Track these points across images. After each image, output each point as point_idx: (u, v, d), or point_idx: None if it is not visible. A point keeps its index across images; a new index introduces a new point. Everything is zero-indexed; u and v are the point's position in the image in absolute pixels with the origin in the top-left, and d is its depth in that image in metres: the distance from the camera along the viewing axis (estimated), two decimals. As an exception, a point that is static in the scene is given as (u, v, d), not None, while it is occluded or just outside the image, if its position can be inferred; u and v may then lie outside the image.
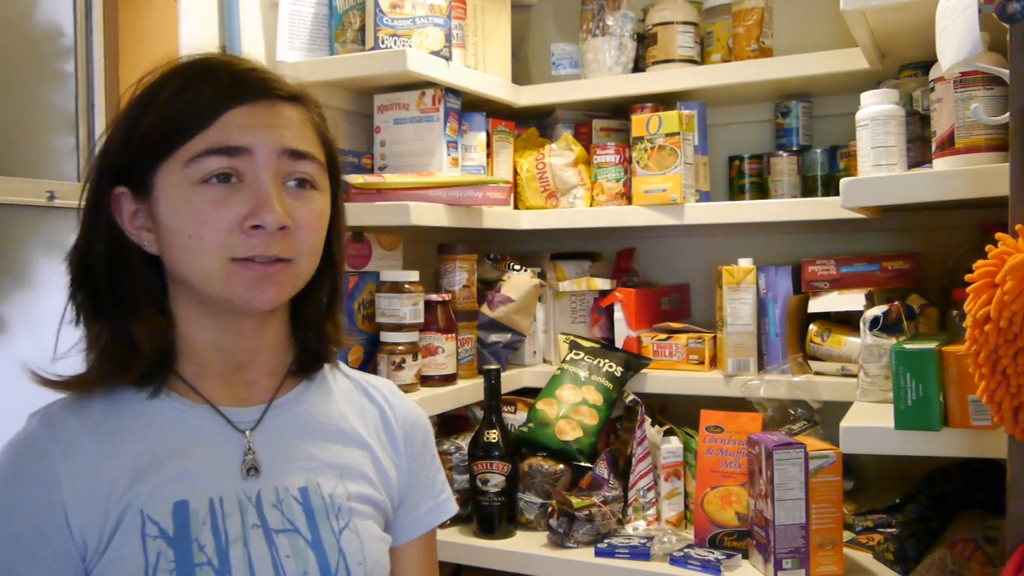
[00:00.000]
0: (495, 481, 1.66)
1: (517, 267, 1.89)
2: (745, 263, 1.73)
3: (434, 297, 1.67)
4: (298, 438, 0.94)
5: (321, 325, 0.99)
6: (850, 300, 1.61)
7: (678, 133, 1.73)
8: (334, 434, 0.96)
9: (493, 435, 1.67)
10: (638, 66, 1.91)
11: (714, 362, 1.78)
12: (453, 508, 1.09)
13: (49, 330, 1.45)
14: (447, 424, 1.87)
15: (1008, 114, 1.00)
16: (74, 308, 0.90)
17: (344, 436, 0.97)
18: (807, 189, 1.85)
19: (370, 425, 1.01)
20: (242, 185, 0.85)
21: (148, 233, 0.88)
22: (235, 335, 0.91)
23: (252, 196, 0.85)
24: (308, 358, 0.99)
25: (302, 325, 0.98)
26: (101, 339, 0.89)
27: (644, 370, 1.79)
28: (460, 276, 1.78)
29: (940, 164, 1.27)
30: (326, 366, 1.01)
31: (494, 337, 1.83)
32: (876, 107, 1.37)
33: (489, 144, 1.87)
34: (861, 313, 1.44)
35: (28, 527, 0.81)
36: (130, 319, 0.88)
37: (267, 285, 0.86)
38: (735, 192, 1.94)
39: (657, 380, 1.78)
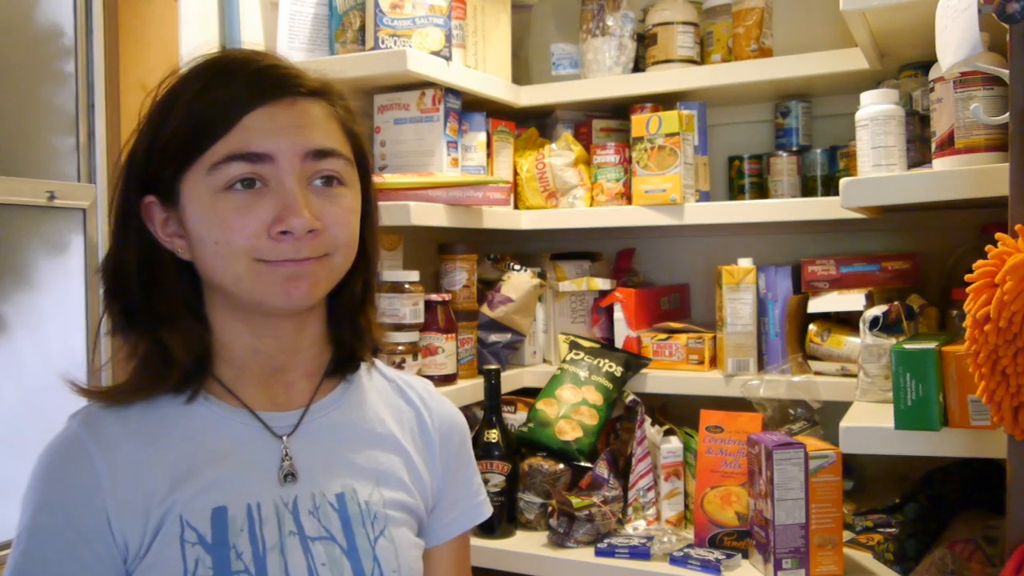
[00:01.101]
0: (495, 481, 1.66)
1: (517, 267, 1.89)
2: (745, 263, 1.74)
3: (434, 297, 1.67)
4: (335, 443, 0.93)
5: (356, 320, 0.97)
6: (850, 300, 1.61)
7: (678, 133, 1.73)
8: (371, 439, 0.95)
9: (493, 435, 1.67)
10: (638, 66, 1.91)
11: (714, 362, 1.78)
12: (487, 511, 1.07)
13: (49, 330, 1.45)
14: (447, 424, 1.87)
15: (1008, 114, 1.00)
16: (110, 319, 0.89)
17: (381, 440, 0.96)
18: (807, 189, 1.85)
19: (406, 428, 0.99)
20: (267, 190, 0.83)
21: (180, 240, 0.87)
22: (272, 338, 0.90)
23: (278, 201, 0.83)
24: (345, 357, 0.97)
25: (337, 322, 0.97)
26: (139, 348, 0.88)
27: (644, 370, 1.79)
28: (460, 276, 1.79)
29: (940, 164, 1.27)
30: (363, 365, 1.00)
31: (494, 337, 1.83)
32: (876, 107, 1.37)
33: (489, 144, 1.87)
34: (861, 313, 1.44)
35: (71, 529, 0.81)
36: (165, 327, 0.87)
37: (300, 280, 0.84)
38: (735, 192, 1.94)
39: (657, 380, 1.78)
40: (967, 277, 0.98)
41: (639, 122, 1.78)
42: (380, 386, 1.01)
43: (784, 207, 1.71)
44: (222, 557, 0.82)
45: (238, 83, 0.84)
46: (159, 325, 0.87)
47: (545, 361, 1.97)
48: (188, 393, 0.88)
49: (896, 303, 1.42)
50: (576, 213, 1.88)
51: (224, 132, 0.82)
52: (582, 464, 1.70)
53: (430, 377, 1.64)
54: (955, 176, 1.22)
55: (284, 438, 0.90)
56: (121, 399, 0.87)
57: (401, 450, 0.97)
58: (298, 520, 0.86)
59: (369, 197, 0.95)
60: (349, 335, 0.97)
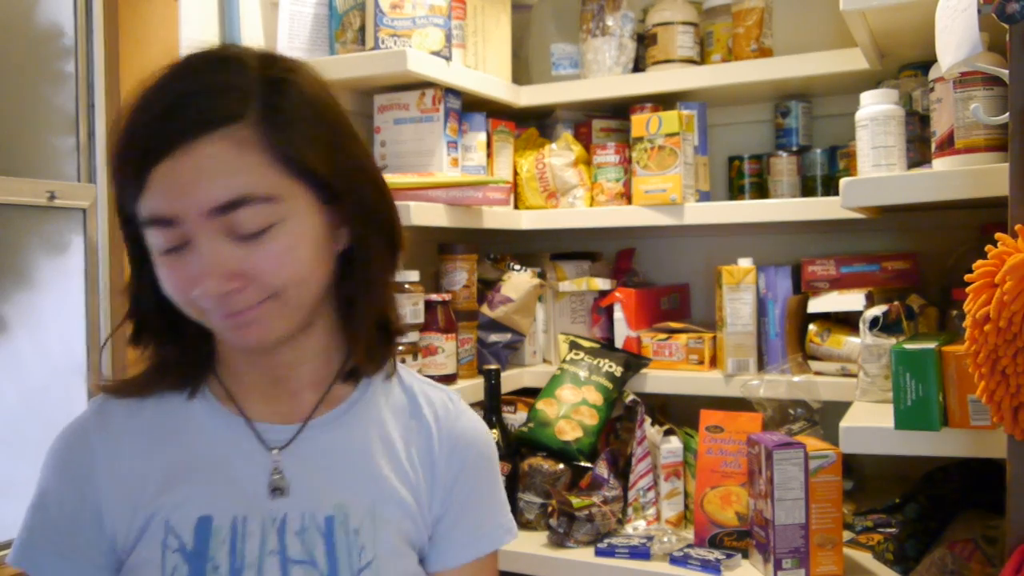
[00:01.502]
0: (495, 481, 1.66)
1: (517, 267, 1.89)
2: (745, 263, 1.74)
3: (434, 297, 1.67)
4: (332, 462, 0.88)
5: (356, 327, 0.91)
6: (850, 300, 1.61)
7: (678, 133, 1.73)
8: (372, 460, 0.90)
9: (493, 435, 1.67)
10: (638, 66, 1.91)
11: (714, 362, 1.78)
12: (497, 540, 0.96)
13: (49, 330, 1.45)
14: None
15: (1008, 114, 1.00)
16: (130, 330, 0.90)
17: (383, 462, 0.90)
18: (807, 189, 1.85)
19: (415, 449, 0.93)
20: (189, 247, 0.79)
21: None
22: (266, 356, 0.88)
23: (191, 265, 0.79)
24: (357, 363, 0.93)
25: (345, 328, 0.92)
26: (151, 351, 0.90)
27: (644, 370, 1.79)
28: (460, 276, 1.78)
29: (940, 164, 1.27)
30: (381, 373, 0.95)
31: (494, 337, 1.83)
32: (876, 107, 1.37)
33: (489, 144, 1.87)
34: (861, 313, 1.44)
35: (65, 517, 0.84)
36: (175, 338, 0.88)
37: (247, 327, 0.81)
38: (735, 192, 1.94)
39: (657, 380, 1.78)
40: (967, 277, 0.98)
41: (639, 122, 1.78)
42: (396, 402, 0.95)
43: (784, 207, 1.71)
44: (198, 568, 0.82)
45: (141, 133, 0.78)
46: (170, 337, 0.89)
47: (545, 361, 1.97)
48: (188, 390, 0.89)
49: (896, 303, 1.42)
50: (576, 213, 1.88)
51: (138, 194, 0.79)
52: (582, 464, 1.70)
53: (430, 377, 1.64)
54: (955, 176, 1.22)
55: (275, 451, 0.87)
56: (132, 392, 0.89)
57: (404, 473, 0.91)
58: (283, 539, 0.84)
59: (352, 202, 0.85)
60: (352, 342, 0.92)
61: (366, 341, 0.91)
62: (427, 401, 0.97)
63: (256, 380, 0.90)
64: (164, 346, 0.89)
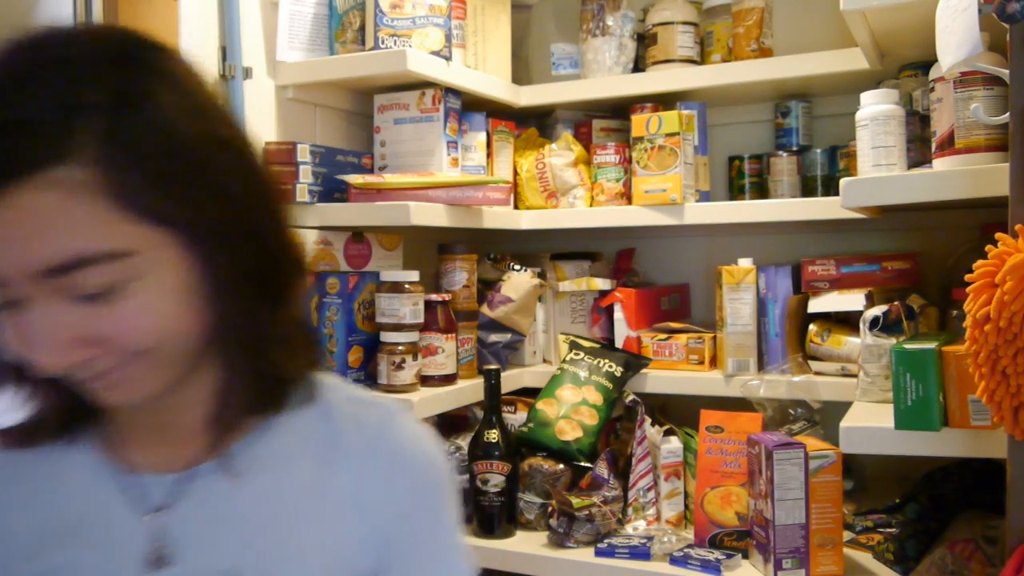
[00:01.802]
0: (495, 481, 1.66)
1: (517, 267, 1.89)
2: (745, 263, 1.74)
3: (434, 297, 1.67)
4: (225, 518, 0.74)
5: (249, 366, 0.74)
6: (850, 300, 1.61)
7: (678, 133, 1.73)
8: (273, 512, 0.75)
9: (493, 435, 1.67)
10: (638, 66, 1.91)
11: (714, 362, 1.78)
12: None
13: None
14: (447, 424, 1.87)
15: (1008, 114, 1.00)
16: None
17: (288, 513, 0.75)
18: (807, 189, 1.85)
19: (335, 487, 0.76)
20: (25, 304, 0.64)
21: None
22: (149, 405, 0.72)
23: (30, 327, 0.63)
24: (261, 402, 0.76)
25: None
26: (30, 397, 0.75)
27: (644, 370, 1.79)
28: (460, 276, 1.79)
29: (940, 164, 1.27)
30: (296, 406, 0.78)
31: (494, 337, 1.83)
32: (876, 107, 1.37)
33: (489, 144, 1.87)
34: (861, 313, 1.44)
35: None
36: (36, 384, 0.73)
37: (112, 390, 0.68)
38: (735, 192, 1.94)
39: (657, 380, 1.78)
40: (967, 277, 0.98)
41: (639, 122, 1.78)
42: (312, 435, 0.78)
43: (784, 207, 1.71)
44: None
45: None
46: (40, 382, 0.73)
47: (545, 361, 1.97)
48: (68, 437, 0.76)
49: (896, 303, 1.42)
50: (576, 213, 1.88)
51: None
52: (582, 464, 1.70)
53: (430, 377, 1.65)
54: (955, 176, 1.22)
55: (156, 513, 0.73)
56: (12, 443, 0.76)
57: (316, 524, 0.75)
58: None
59: (220, 242, 0.67)
60: (219, 394, 0.74)
61: (239, 392, 0.74)
62: (356, 427, 0.79)
63: (143, 425, 0.76)
64: (35, 388, 0.73)
